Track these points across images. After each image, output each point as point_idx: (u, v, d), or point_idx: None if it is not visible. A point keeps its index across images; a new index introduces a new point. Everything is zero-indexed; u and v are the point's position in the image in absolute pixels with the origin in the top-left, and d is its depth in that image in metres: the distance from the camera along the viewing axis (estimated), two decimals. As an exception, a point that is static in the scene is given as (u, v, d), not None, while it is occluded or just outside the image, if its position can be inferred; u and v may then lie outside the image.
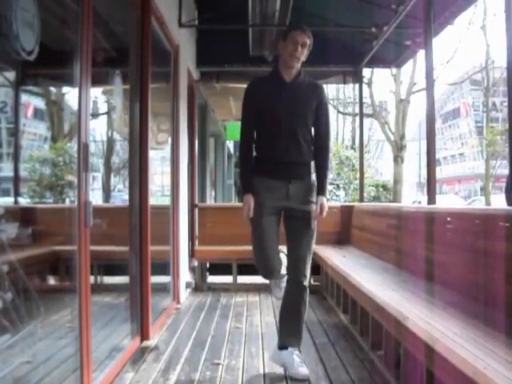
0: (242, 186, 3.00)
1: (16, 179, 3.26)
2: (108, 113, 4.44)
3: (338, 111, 24.78)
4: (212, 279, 6.02)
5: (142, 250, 3.55)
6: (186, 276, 5.38)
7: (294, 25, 2.96)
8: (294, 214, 2.98)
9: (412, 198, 28.53)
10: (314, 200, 2.98)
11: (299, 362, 2.96)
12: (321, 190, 2.99)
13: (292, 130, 2.91)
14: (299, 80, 2.98)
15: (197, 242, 6.02)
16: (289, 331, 3.06)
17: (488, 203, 21.51)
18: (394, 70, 16.10)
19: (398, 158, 16.75)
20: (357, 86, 7.48)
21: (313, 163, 3.02)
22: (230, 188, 15.28)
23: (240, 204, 3.03)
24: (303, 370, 2.92)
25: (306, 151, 2.97)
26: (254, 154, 3.02)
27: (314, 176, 3.04)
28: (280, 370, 3.06)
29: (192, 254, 5.88)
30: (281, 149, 2.90)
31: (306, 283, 3.00)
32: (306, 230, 2.97)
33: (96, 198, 4.46)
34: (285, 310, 3.09)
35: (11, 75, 2.88)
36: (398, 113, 17.61)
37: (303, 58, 2.93)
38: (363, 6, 5.50)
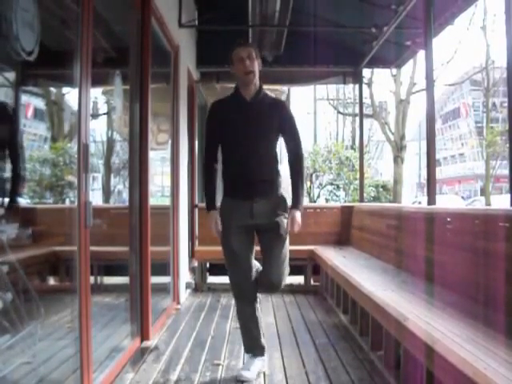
0: (205, 205, 3.04)
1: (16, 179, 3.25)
2: (108, 113, 4.44)
3: (338, 111, 24.76)
4: (212, 279, 6.02)
5: (142, 251, 3.55)
6: (186, 276, 5.38)
7: (235, 44, 2.96)
8: (263, 229, 2.98)
9: (412, 199, 28.54)
10: (284, 213, 2.97)
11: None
12: (294, 204, 2.98)
13: (254, 149, 2.91)
14: (260, 97, 2.97)
15: (197, 243, 6.02)
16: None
17: (488, 204, 21.49)
18: (394, 71, 16.09)
19: (397, 159, 16.75)
20: (357, 86, 7.49)
21: (280, 179, 3.02)
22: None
23: None
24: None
25: (270, 169, 2.97)
26: (222, 177, 3.04)
27: (283, 191, 3.03)
28: (280, 371, 3.06)
29: (192, 254, 5.88)
30: (243, 168, 2.91)
31: (277, 290, 3.12)
32: (276, 242, 2.96)
33: (96, 198, 4.46)
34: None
35: (11, 75, 2.88)
36: (398, 113, 17.60)
37: (257, 71, 2.92)
38: (363, 6, 5.50)
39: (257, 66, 2.92)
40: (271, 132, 2.96)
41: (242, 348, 3.52)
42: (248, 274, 3.00)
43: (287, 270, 3.06)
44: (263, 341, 3.12)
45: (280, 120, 2.96)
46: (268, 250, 2.99)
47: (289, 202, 3.04)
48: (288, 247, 3.03)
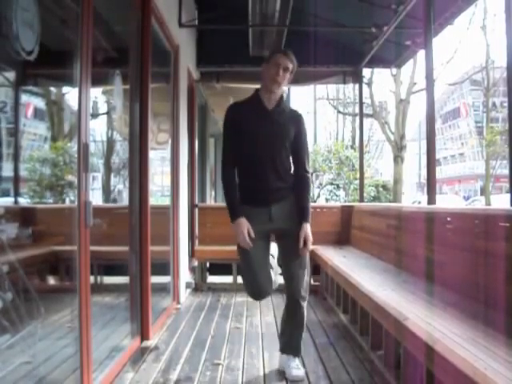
0: (230, 213, 2.90)
1: (16, 179, 3.25)
2: (108, 113, 4.44)
3: (338, 111, 24.78)
4: (212, 279, 6.02)
5: (142, 250, 3.55)
6: (186, 276, 5.38)
7: (278, 48, 2.93)
8: (283, 234, 2.97)
9: (412, 198, 28.54)
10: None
11: (295, 365, 2.98)
12: (304, 217, 2.91)
13: (270, 158, 2.88)
14: (280, 107, 2.95)
15: (197, 242, 6.02)
16: (286, 342, 3.08)
17: (488, 203, 21.50)
18: (394, 70, 16.11)
19: (397, 158, 16.76)
20: (357, 86, 7.48)
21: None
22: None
23: None
24: (297, 372, 2.94)
25: (285, 177, 2.94)
26: (238, 184, 2.97)
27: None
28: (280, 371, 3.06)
29: (192, 254, 5.88)
30: (259, 176, 2.88)
31: (302, 301, 2.98)
32: (296, 248, 2.92)
33: (96, 198, 4.46)
34: (284, 322, 3.12)
35: (11, 75, 2.88)
36: (397, 113, 17.62)
37: (284, 84, 2.91)
38: (363, 6, 5.50)
39: (286, 81, 2.92)
40: (288, 143, 2.93)
41: (242, 347, 3.54)
42: (266, 280, 2.98)
43: (307, 277, 3.01)
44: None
45: (296, 132, 2.95)
46: (287, 258, 2.97)
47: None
48: (308, 254, 2.98)
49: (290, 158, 2.99)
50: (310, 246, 2.92)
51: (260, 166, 2.88)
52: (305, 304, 3.00)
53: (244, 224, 2.83)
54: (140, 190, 3.56)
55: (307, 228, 2.89)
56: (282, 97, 2.98)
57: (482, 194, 29.78)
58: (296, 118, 3.00)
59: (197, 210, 6.08)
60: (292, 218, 2.92)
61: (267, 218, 2.90)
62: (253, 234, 2.84)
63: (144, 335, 3.60)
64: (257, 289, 2.99)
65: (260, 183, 2.89)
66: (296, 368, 2.96)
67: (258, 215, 2.89)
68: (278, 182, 2.90)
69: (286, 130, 2.92)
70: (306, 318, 3.05)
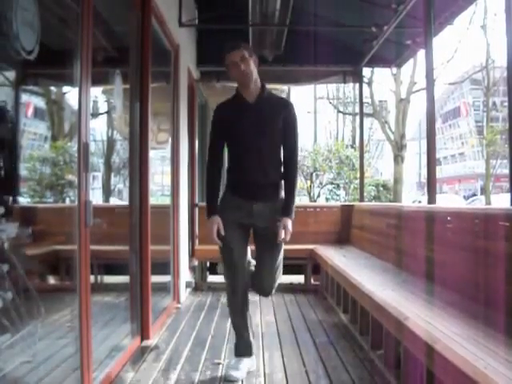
0: (207, 210, 2.96)
1: (16, 179, 3.25)
2: (108, 112, 4.43)
3: (338, 111, 24.75)
4: (212, 279, 6.02)
5: (142, 250, 3.55)
6: (186, 275, 5.38)
7: (225, 49, 2.93)
8: (260, 232, 2.99)
9: (412, 198, 28.53)
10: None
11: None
12: (286, 211, 2.92)
13: (258, 152, 2.89)
14: (263, 98, 2.93)
15: (197, 242, 6.02)
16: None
17: (488, 203, 21.49)
18: (395, 70, 16.07)
19: (398, 158, 16.74)
20: (357, 85, 7.50)
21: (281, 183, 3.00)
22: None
23: None
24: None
25: (274, 172, 2.95)
26: (227, 174, 3.04)
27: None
28: (280, 370, 3.06)
29: (192, 253, 5.88)
30: (246, 171, 2.91)
31: (268, 294, 3.13)
32: (272, 250, 2.96)
33: (96, 197, 4.46)
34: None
35: (11, 75, 2.88)
36: (398, 112, 17.59)
37: (254, 70, 2.88)
38: (363, 5, 5.50)
39: (252, 66, 2.87)
40: (275, 134, 2.92)
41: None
42: (241, 269, 2.99)
43: (280, 275, 3.07)
44: (251, 340, 3.12)
45: (284, 121, 2.92)
46: (263, 257, 3.00)
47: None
48: (282, 253, 3.02)
49: (281, 152, 2.98)
50: (288, 238, 2.90)
51: (247, 161, 2.90)
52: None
53: (216, 222, 2.90)
54: (140, 190, 3.56)
55: (288, 222, 2.88)
56: (263, 87, 2.95)
57: (482, 194, 29.75)
58: (283, 105, 2.98)
59: (197, 210, 6.08)
60: (274, 218, 2.91)
61: (247, 214, 2.93)
62: (223, 232, 2.89)
63: (144, 335, 3.60)
64: (235, 278, 2.99)
65: (247, 176, 2.92)
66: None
67: (240, 208, 2.93)
68: (264, 179, 2.91)
69: (272, 120, 2.90)
70: None
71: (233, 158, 2.99)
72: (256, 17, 5.41)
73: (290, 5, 5.18)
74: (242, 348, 3.08)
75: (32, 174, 3.55)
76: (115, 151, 5.19)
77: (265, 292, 3.11)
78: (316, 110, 26.45)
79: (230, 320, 3.20)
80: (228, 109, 3.00)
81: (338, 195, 10.43)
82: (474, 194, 35.28)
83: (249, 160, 2.90)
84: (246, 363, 3.04)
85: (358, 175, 7.64)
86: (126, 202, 3.77)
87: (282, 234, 2.86)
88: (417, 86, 17.22)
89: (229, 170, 3.04)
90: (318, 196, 10.53)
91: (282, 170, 2.99)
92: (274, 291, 3.10)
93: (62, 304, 2.98)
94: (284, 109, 2.95)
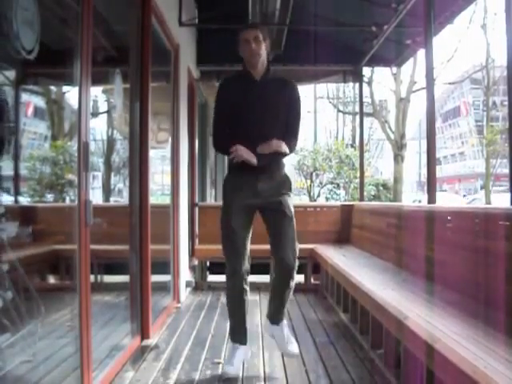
0: (227, 152, 2.91)
1: (16, 178, 3.25)
2: (108, 112, 4.43)
3: (339, 110, 24.76)
4: (212, 278, 6.02)
5: (142, 249, 3.55)
6: (186, 275, 5.38)
7: (243, 25, 2.98)
8: (269, 208, 2.99)
9: (412, 197, 28.54)
10: (288, 192, 3.01)
11: (289, 337, 3.11)
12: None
13: (261, 127, 2.91)
14: (268, 77, 3.00)
15: (197, 241, 6.02)
16: (273, 310, 3.16)
17: (488, 202, 21.49)
18: (395, 69, 16.06)
19: (398, 157, 16.75)
20: (357, 84, 7.49)
21: (284, 160, 3.04)
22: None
23: None
24: (291, 348, 3.05)
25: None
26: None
27: (286, 171, 3.07)
28: (280, 369, 3.06)
29: (192, 252, 5.88)
30: (250, 146, 2.88)
31: (292, 272, 3.02)
32: (283, 222, 2.97)
33: (96, 196, 4.46)
34: (272, 291, 3.17)
35: (11, 74, 2.88)
36: (398, 112, 17.59)
37: (264, 53, 2.95)
38: (363, 4, 5.50)
39: (264, 49, 2.96)
40: (279, 111, 2.97)
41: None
42: (242, 253, 3.01)
43: (297, 247, 3.06)
44: (247, 326, 3.15)
45: (288, 99, 2.99)
46: (277, 233, 2.99)
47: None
48: (295, 225, 3.03)
49: (284, 129, 2.99)
50: (274, 145, 2.88)
51: (250, 136, 2.90)
52: (294, 273, 3.05)
53: (240, 148, 2.83)
54: (140, 189, 3.57)
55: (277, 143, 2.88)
56: (268, 67, 3.01)
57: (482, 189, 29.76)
58: (287, 85, 3.05)
59: (197, 209, 6.08)
60: (280, 193, 2.97)
61: (252, 193, 2.94)
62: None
63: (144, 334, 3.60)
64: (237, 260, 2.99)
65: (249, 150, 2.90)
66: (290, 342, 3.08)
67: (244, 188, 2.94)
68: (267, 154, 2.90)
69: (276, 98, 2.97)
70: (292, 291, 3.11)
71: (235, 133, 2.96)
72: (256, 16, 5.40)
73: (290, 4, 5.18)
74: (238, 335, 3.10)
75: (32, 174, 3.55)
76: (115, 151, 5.19)
77: (288, 267, 3.01)
78: (316, 109, 26.45)
79: (227, 306, 3.19)
80: (233, 83, 3.06)
81: (337, 195, 10.44)
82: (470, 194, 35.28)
83: (252, 135, 2.89)
84: (240, 355, 3.05)
85: (358, 175, 7.64)
86: (125, 202, 3.77)
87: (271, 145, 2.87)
88: (417, 86, 17.23)
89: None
90: (318, 195, 10.53)
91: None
92: (296, 264, 3.04)
93: (62, 303, 2.98)
94: (288, 87, 3.03)
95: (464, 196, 30.80)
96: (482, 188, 31.59)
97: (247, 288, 3.10)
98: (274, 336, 3.17)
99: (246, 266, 3.06)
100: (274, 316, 3.16)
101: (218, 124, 3.05)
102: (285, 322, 3.19)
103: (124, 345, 3.32)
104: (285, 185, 3.01)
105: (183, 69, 5.22)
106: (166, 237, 4.69)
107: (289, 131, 3.00)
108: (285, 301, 3.11)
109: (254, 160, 2.84)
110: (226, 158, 3.07)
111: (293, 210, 3.00)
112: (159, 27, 4.17)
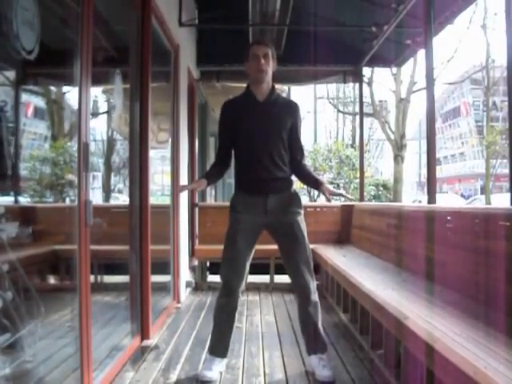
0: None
1: (16, 178, 3.25)
2: (108, 112, 4.44)
3: (338, 110, 24.77)
4: (212, 278, 6.01)
5: (142, 250, 3.55)
6: (186, 275, 5.38)
7: (253, 41, 3.00)
8: (279, 230, 2.98)
9: (412, 197, 28.53)
10: (299, 210, 2.99)
11: (324, 364, 2.96)
12: (319, 180, 3.04)
13: (267, 148, 2.91)
14: (273, 98, 2.98)
15: (197, 241, 6.02)
16: (309, 340, 3.08)
17: (488, 202, 21.49)
18: (395, 70, 16.07)
19: (398, 157, 16.76)
20: (357, 85, 7.49)
21: (292, 177, 3.06)
22: (230, 187, 15.25)
23: None
24: (325, 372, 2.91)
25: (282, 168, 2.97)
26: (235, 174, 3.07)
27: (295, 187, 3.09)
28: (280, 370, 3.06)
29: (192, 253, 5.88)
30: (256, 167, 2.92)
31: (312, 296, 3.00)
32: (295, 243, 2.95)
33: (96, 197, 4.46)
34: (301, 323, 3.12)
35: (11, 74, 2.88)
36: (398, 112, 17.61)
37: (270, 70, 2.93)
38: (363, 5, 5.50)
39: (271, 67, 2.93)
40: (284, 132, 2.96)
41: (242, 346, 3.53)
42: (243, 274, 2.99)
43: (312, 272, 3.03)
44: (230, 343, 3.10)
45: (291, 124, 2.99)
46: (292, 260, 2.98)
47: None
48: (309, 248, 3.01)
49: (287, 150, 3.01)
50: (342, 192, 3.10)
51: (256, 157, 2.91)
52: (315, 297, 3.02)
53: (196, 181, 3.07)
54: (140, 189, 3.56)
55: (326, 184, 3.02)
56: (273, 88, 3.00)
57: (482, 193, 29.75)
58: (291, 107, 3.05)
59: (197, 209, 6.08)
60: (289, 211, 2.96)
61: (263, 210, 2.93)
62: (190, 187, 3.09)
63: (144, 334, 3.60)
64: (236, 278, 2.97)
65: (257, 173, 2.93)
66: (325, 368, 2.94)
67: (254, 205, 2.93)
68: (276, 172, 2.93)
69: (281, 119, 2.96)
70: (319, 314, 3.05)
71: (241, 155, 2.99)
72: (256, 16, 5.41)
73: (290, 4, 5.18)
74: (221, 349, 3.05)
75: (32, 174, 3.55)
76: (115, 151, 5.19)
77: (303, 296, 3.01)
78: (316, 109, 26.46)
79: (213, 321, 3.13)
80: (237, 105, 3.04)
81: (338, 195, 10.42)
82: (471, 196, 35.26)
83: (258, 156, 2.90)
84: (219, 364, 3.01)
85: (358, 175, 7.64)
86: (125, 200, 3.77)
87: (331, 189, 2.99)
88: (417, 86, 17.24)
89: (238, 170, 3.03)
90: (318, 196, 10.53)
91: (295, 166, 3.03)
92: (313, 289, 3.01)
93: (62, 304, 2.98)
94: (293, 109, 3.03)
95: (468, 198, 30.74)
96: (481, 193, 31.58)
97: (239, 306, 3.09)
98: (312, 367, 3.02)
99: (243, 286, 3.04)
100: (311, 347, 3.06)
101: (218, 149, 3.09)
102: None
103: (124, 345, 3.32)
104: (294, 202, 3.00)
105: (183, 69, 5.22)
106: (166, 237, 4.69)
107: (295, 147, 3.02)
108: (317, 328, 3.05)
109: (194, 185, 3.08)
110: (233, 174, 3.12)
111: (305, 230, 2.98)
112: (159, 27, 4.17)
